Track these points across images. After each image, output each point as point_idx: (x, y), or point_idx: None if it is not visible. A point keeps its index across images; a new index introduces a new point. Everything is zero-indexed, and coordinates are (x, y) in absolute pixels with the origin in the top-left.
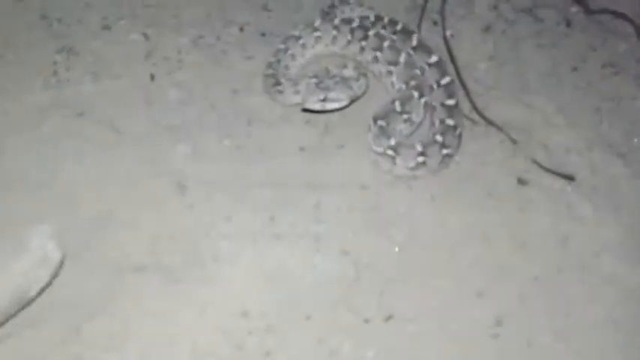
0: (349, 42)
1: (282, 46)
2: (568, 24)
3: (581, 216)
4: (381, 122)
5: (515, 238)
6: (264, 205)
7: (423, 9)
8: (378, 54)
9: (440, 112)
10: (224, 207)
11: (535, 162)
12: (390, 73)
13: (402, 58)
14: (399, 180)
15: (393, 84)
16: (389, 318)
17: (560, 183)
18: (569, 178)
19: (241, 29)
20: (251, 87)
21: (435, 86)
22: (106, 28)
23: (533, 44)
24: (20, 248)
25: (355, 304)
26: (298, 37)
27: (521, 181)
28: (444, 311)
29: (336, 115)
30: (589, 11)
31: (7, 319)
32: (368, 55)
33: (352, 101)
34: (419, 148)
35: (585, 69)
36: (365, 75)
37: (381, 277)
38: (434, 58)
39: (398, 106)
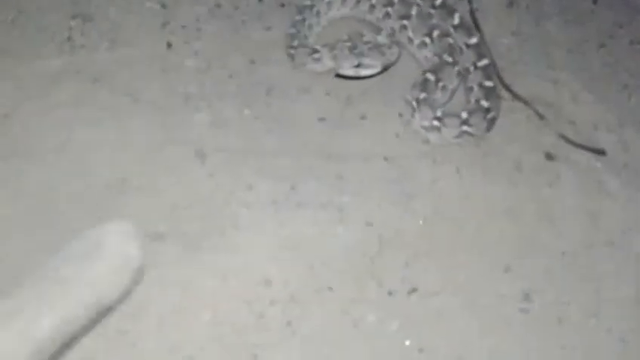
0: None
1: (308, 7)
2: (594, 0)
3: (611, 192)
4: (422, 95)
5: (542, 214)
6: (285, 174)
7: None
8: (406, 22)
9: (476, 76)
10: (244, 175)
11: (564, 137)
12: (423, 44)
13: (434, 29)
14: (431, 152)
15: (424, 56)
16: (413, 291)
17: (589, 159)
18: (600, 152)
19: None
20: (269, 57)
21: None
22: None
23: (559, 20)
24: (95, 249)
25: (379, 276)
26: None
27: (549, 157)
28: (469, 285)
29: (358, 88)
30: None
31: (84, 332)
32: (395, 23)
33: (385, 69)
34: (464, 116)
35: (612, 46)
36: (398, 42)
37: (405, 250)
38: (474, 40)
39: (431, 76)
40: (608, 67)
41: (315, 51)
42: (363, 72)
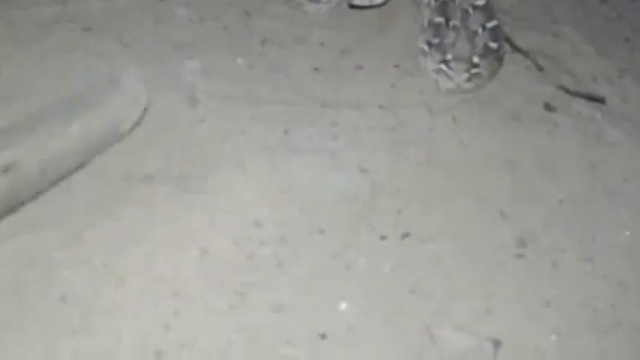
0: None
1: None
2: None
3: (610, 142)
4: (435, 40)
5: (541, 162)
6: (278, 120)
7: None
8: None
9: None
10: (237, 121)
11: (563, 87)
12: None
13: None
14: (427, 101)
15: None
16: (406, 236)
17: (588, 109)
18: (600, 100)
19: None
20: (265, 10)
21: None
22: None
23: None
24: (113, 86)
25: (371, 221)
26: None
27: (548, 107)
28: (464, 231)
29: (354, 39)
30: None
31: (103, 150)
32: None
33: None
34: (475, 60)
35: (615, 1)
36: None
37: (398, 196)
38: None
39: (441, 18)
40: (609, 22)
41: None
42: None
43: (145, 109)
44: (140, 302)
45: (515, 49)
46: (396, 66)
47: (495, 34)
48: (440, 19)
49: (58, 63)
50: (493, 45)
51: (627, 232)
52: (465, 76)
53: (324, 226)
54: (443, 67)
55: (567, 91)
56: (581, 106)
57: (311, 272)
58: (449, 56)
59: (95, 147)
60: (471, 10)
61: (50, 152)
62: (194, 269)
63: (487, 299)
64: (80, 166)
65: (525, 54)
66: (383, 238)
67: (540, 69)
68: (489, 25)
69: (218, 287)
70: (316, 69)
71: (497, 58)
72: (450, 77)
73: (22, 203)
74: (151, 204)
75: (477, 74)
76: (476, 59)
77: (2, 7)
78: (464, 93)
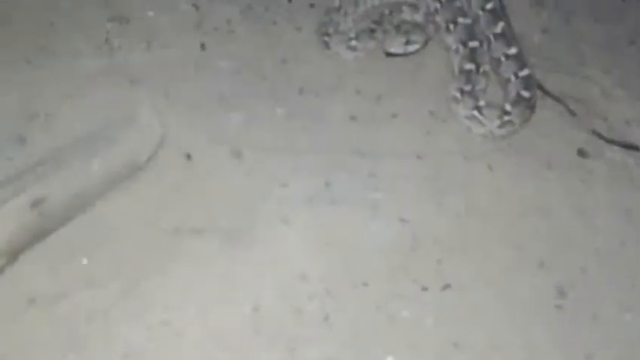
0: None
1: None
2: None
3: None
4: (467, 87)
5: (576, 210)
6: (319, 171)
7: None
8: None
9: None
10: (279, 173)
11: (596, 133)
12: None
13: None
14: (463, 149)
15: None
16: (447, 287)
17: (622, 155)
18: (634, 147)
19: (290, 0)
20: (301, 57)
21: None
22: None
23: (588, 18)
24: (130, 121)
25: (412, 272)
26: None
27: (581, 153)
28: (504, 281)
29: (388, 85)
30: None
31: (120, 182)
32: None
33: (426, 43)
34: (508, 107)
35: None
36: (433, 22)
37: (438, 246)
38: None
39: (471, 65)
40: (639, 64)
41: (351, 38)
42: (410, 48)
43: (160, 143)
44: (197, 357)
45: (547, 94)
46: (431, 112)
47: (528, 82)
48: (470, 66)
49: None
50: (525, 94)
51: None
52: (498, 122)
53: (367, 278)
54: (475, 113)
55: (600, 136)
56: (614, 152)
57: (356, 325)
58: (481, 103)
59: (114, 179)
60: (503, 59)
61: (74, 187)
62: (247, 324)
63: (527, 351)
64: (100, 197)
65: (557, 99)
66: (424, 289)
67: (573, 114)
68: (522, 74)
69: (269, 343)
70: (353, 117)
71: (530, 106)
72: (482, 124)
73: (48, 234)
74: (201, 258)
75: (509, 121)
76: (508, 107)
77: (49, 59)
78: (496, 140)
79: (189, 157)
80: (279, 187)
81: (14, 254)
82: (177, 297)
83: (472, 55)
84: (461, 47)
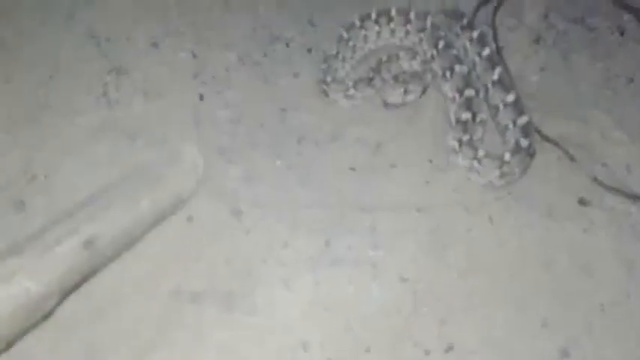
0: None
1: (344, 40)
2: (621, 33)
3: None
4: (465, 137)
5: (578, 262)
6: (319, 228)
7: (472, 21)
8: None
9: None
10: (280, 231)
11: (596, 180)
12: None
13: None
14: (463, 199)
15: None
16: (450, 349)
17: (623, 203)
18: (635, 197)
19: (287, 45)
20: (299, 104)
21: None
22: (154, 46)
23: (586, 54)
24: (175, 159)
25: (414, 334)
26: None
27: (582, 202)
28: (507, 342)
29: (387, 133)
30: None
31: (164, 219)
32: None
33: (423, 92)
34: (507, 157)
35: None
36: (431, 70)
37: (440, 306)
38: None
39: (468, 114)
40: (638, 102)
41: (348, 87)
42: (409, 98)
43: (201, 180)
44: None
45: (545, 139)
46: (430, 161)
47: (526, 130)
48: (467, 115)
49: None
50: (524, 142)
51: None
52: (497, 173)
53: (369, 344)
54: (475, 164)
55: (601, 184)
56: (615, 200)
57: None
58: (480, 153)
59: (161, 216)
60: (501, 106)
61: (123, 225)
62: None
63: None
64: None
65: (555, 143)
66: (427, 352)
67: (572, 159)
68: (520, 121)
69: None
70: (353, 168)
71: (529, 154)
72: (482, 174)
73: (96, 273)
74: (200, 327)
75: (508, 172)
76: (507, 156)
77: (48, 116)
78: (496, 190)
79: (190, 219)
80: (279, 248)
81: (65, 295)
82: None
83: (468, 104)
84: (457, 96)
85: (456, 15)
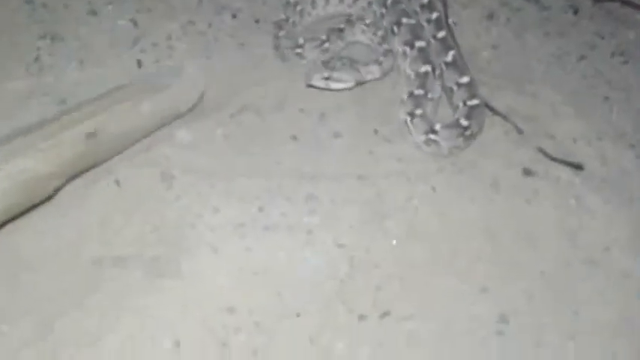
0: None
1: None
2: (575, 12)
3: (590, 209)
4: (418, 111)
5: (520, 232)
6: (253, 195)
7: None
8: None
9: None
10: (211, 198)
11: (542, 151)
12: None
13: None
14: (406, 169)
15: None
16: (385, 315)
17: (568, 174)
18: (578, 167)
19: (234, 16)
20: (243, 75)
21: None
22: (93, 13)
23: (539, 32)
24: (178, 73)
25: (349, 300)
26: None
27: (527, 172)
28: (444, 308)
29: (333, 102)
30: None
31: (161, 126)
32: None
33: (358, 84)
34: (464, 123)
35: (593, 58)
36: (390, 53)
37: (377, 273)
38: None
39: (421, 90)
40: (588, 80)
41: (299, 45)
42: (333, 85)
43: (202, 94)
44: None
45: (494, 112)
46: (375, 131)
47: (472, 90)
48: (421, 91)
49: None
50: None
51: (610, 306)
52: (452, 143)
53: (300, 309)
54: (431, 136)
55: (546, 154)
56: (560, 170)
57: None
58: (436, 126)
59: (160, 123)
60: (444, 67)
61: (124, 123)
62: None
63: None
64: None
65: (504, 117)
66: (362, 317)
67: (520, 132)
68: (462, 80)
69: None
70: (294, 137)
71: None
72: (437, 146)
73: (98, 163)
74: (121, 292)
75: (470, 135)
76: (465, 122)
77: None
78: (441, 160)
79: (117, 182)
80: (210, 213)
81: (67, 179)
82: (92, 334)
83: (422, 80)
84: (407, 49)
85: None
